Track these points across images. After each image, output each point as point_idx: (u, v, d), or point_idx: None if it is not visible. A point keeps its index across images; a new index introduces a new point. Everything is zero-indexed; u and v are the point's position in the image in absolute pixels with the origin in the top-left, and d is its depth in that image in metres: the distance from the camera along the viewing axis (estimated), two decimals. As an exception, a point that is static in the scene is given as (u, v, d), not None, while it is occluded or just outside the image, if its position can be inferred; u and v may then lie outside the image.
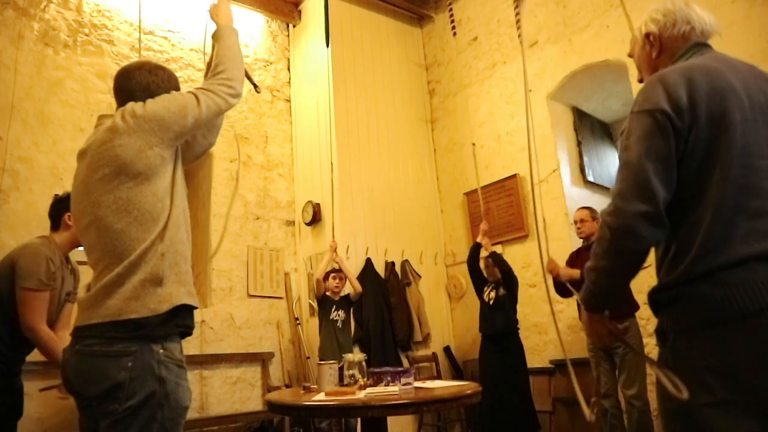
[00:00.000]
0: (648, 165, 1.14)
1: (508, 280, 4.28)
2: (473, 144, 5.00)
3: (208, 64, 1.69)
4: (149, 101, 1.50)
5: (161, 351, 1.37)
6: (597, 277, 1.25)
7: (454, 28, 4.83)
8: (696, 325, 1.12)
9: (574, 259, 3.82)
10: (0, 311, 2.36)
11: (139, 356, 1.34)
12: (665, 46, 1.35)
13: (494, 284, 4.32)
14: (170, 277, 1.41)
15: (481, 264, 4.45)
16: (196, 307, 1.49)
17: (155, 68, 1.62)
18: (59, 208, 2.56)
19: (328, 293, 4.48)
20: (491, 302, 4.25)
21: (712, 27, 1.33)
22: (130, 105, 1.49)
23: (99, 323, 1.35)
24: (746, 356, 1.05)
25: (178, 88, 1.65)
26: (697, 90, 1.16)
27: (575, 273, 3.48)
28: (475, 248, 4.49)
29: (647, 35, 1.38)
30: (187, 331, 1.49)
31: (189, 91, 1.55)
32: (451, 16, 4.86)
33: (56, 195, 2.66)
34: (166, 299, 1.38)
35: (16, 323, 2.36)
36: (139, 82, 1.57)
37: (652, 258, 1.27)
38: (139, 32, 4.81)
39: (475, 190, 5.21)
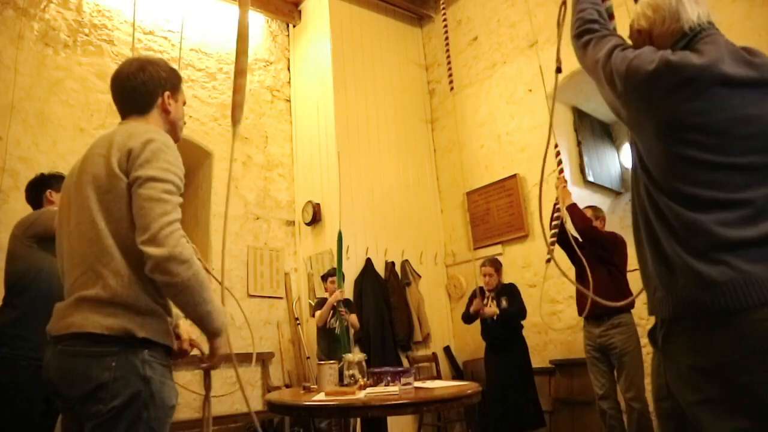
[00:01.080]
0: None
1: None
2: (464, 147, 4.99)
3: None
4: (151, 183, 1.35)
5: (145, 351, 1.34)
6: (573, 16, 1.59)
7: (447, 45, 4.68)
8: (682, 326, 1.15)
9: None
10: (30, 297, 2.33)
11: (123, 355, 1.31)
12: (655, 42, 1.36)
13: (494, 294, 4.10)
14: (156, 311, 1.38)
15: (478, 269, 4.21)
16: (172, 348, 1.45)
17: (137, 71, 1.55)
18: (39, 189, 2.53)
19: (328, 295, 4.48)
20: (495, 317, 4.00)
21: (702, 24, 1.31)
22: (130, 157, 1.37)
23: (76, 333, 1.32)
24: (731, 355, 1.07)
25: (171, 79, 1.61)
26: (666, 83, 1.20)
27: (570, 199, 3.58)
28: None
29: (639, 31, 1.40)
30: (167, 350, 1.44)
31: (178, 201, 1.41)
32: (445, 26, 4.80)
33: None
34: (146, 328, 1.35)
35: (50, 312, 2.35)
36: (119, 92, 1.56)
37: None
38: (133, 30, 4.81)
39: (476, 191, 5.21)
